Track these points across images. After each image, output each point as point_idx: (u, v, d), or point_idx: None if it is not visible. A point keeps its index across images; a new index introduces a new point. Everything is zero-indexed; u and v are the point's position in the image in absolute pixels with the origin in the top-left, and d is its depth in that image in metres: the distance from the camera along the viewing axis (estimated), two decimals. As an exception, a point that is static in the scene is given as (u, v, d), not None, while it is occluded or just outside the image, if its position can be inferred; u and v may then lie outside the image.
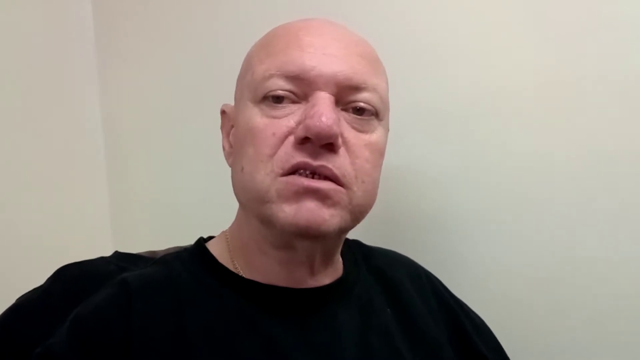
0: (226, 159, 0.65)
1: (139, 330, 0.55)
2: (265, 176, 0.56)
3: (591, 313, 0.83)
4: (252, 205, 0.58)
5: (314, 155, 0.55)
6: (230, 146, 0.64)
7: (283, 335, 0.58)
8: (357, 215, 0.59)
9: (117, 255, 0.75)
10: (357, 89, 0.58)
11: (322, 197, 0.55)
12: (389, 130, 0.65)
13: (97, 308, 0.57)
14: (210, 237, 0.69)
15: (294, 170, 0.55)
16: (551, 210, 0.85)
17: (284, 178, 0.55)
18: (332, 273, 0.65)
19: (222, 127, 0.67)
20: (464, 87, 0.90)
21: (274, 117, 0.57)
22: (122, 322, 0.55)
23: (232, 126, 0.64)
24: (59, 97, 1.14)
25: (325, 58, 0.57)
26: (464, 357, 0.70)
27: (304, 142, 0.55)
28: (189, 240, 0.70)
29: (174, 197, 1.16)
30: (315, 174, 0.55)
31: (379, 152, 0.61)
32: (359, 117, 0.59)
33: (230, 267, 0.62)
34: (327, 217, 0.55)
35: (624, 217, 0.81)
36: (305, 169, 0.55)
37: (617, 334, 0.81)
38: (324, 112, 0.54)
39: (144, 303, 0.57)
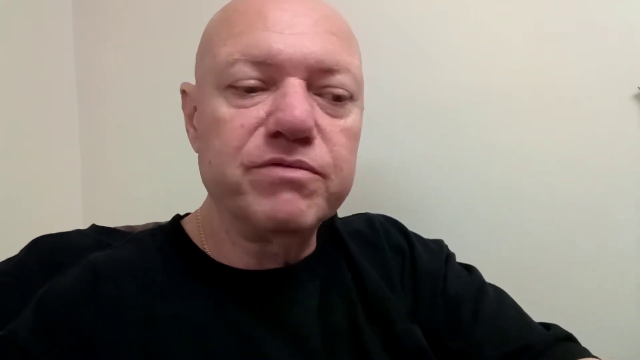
0: (191, 143, 0.60)
1: (107, 316, 0.53)
2: (236, 169, 0.52)
3: (577, 304, 0.86)
4: (224, 198, 0.55)
5: (288, 150, 0.51)
6: (195, 130, 0.60)
7: (251, 320, 0.56)
8: (334, 202, 0.57)
9: (94, 228, 0.74)
10: (329, 71, 0.54)
11: (298, 186, 0.52)
12: (363, 108, 0.61)
13: (64, 292, 0.55)
14: (188, 214, 0.67)
15: (267, 165, 0.52)
16: (535, 204, 0.88)
17: (258, 170, 0.52)
18: (304, 251, 0.63)
19: (183, 108, 0.63)
20: (451, 84, 0.91)
21: (241, 107, 0.53)
22: (90, 307, 0.54)
23: (195, 108, 0.59)
24: (34, 67, 1.11)
25: (293, 39, 0.52)
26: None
27: (276, 135, 0.51)
28: (164, 217, 0.68)
29: (149, 172, 1.15)
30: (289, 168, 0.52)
31: (354, 136, 0.58)
32: (332, 101, 0.55)
33: (202, 248, 0.60)
34: (304, 208, 0.52)
35: (602, 212, 0.84)
36: (279, 164, 0.52)
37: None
38: (296, 104, 0.50)
39: (113, 288, 0.55)
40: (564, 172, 0.86)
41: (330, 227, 0.67)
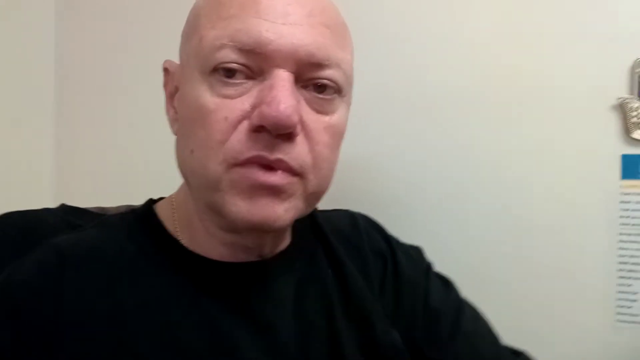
0: (170, 125, 0.59)
1: (71, 305, 0.51)
2: (218, 165, 0.51)
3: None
4: (201, 190, 0.54)
5: (270, 147, 0.50)
6: (175, 111, 0.58)
7: (223, 312, 0.55)
8: (311, 201, 0.56)
9: (64, 208, 0.72)
10: (319, 65, 0.52)
11: (276, 192, 0.51)
12: (350, 104, 0.60)
13: (27, 278, 0.52)
14: (162, 198, 0.64)
15: (249, 162, 0.51)
16: (509, 206, 0.89)
17: (239, 169, 0.50)
18: (279, 245, 0.62)
19: (165, 86, 0.61)
20: (433, 83, 0.92)
21: (227, 97, 0.51)
22: (54, 296, 0.51)
23: (177, 88, 0.57)
24: (11, 44, 1.08)
25: (285, 29, 0.50)
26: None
27: (260, 129, 0.50)
28: (139, 200, 0.66)
29: (125, 151, 1.12)
30: (270, 166, 0.51)
31: (339, 134, 0.56)
32: (320, 95, 0.53)
33: (175, 235, 0.58)
34: (281, 212, 0.52)
35: (576, 218, 0.86)
36: (261, 162, 0.51)
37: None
38: (282, 98, 0.49)
39: (78, 275, 0.53)
40: (540, 177, 0.87)
41: (310, 221, 0.66)
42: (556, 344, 0.86)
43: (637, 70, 0.80)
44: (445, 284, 0.70)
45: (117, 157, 1.13)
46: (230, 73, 0.50)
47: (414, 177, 0.94)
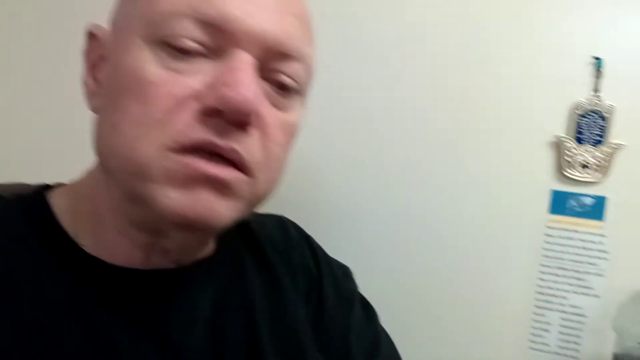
0: (87, 98, 0.50)
1: None
2: (151, 148, 0.43)
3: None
4: (123, 176, 0.45)
5: (222, 132, 0.44)
6: (97, 84, 0.50)
7: (124, 329, 0.47)
8: (254, 204, 0.50)
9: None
10: (286, 57, 0.47)
11: (220, 187, 0.45)
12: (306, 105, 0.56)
13: None
14: (61, 185, 0.54)
15: (193, 149, 0.44)
16: (438, 223, 0.91)
17: (179, 157, 0.43)
18: (201, 252, 0.55)
19: (86, 54, 0.51)
20: (376, 92, 0.92)
21: (176, 71, 0.44)
22: None
23: (103, 57, 0.49)
24: None
25: (254, 10, 0.45)
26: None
27: (212, 114, 0.43)
28: (37, 178, 0.56)
29: (27, 122, 1.01)
30: (217, 155, 0.44)
31: (293, 133, 0.52)
32: (280, 90, 0.48)
33: (72, 234, 0.49)
34: (222, 210, 0.45)
35: (501, 242, 0.89)
36: (207, 149, 0.44)
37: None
38: (244, 81, 0.43)
39: None
40: (472, 201, 0.90)
41: (239, 226, 0.59)
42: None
43: (576, 112, 0.84)
44: (367, 313, 0.66)
45: (18, 126, 1.02)
46: (184, 52, 0.44)
47: (343, 183, 0.93)
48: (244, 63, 0.44)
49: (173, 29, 0.44)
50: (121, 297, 0.48)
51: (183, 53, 0.44)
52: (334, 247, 0.69)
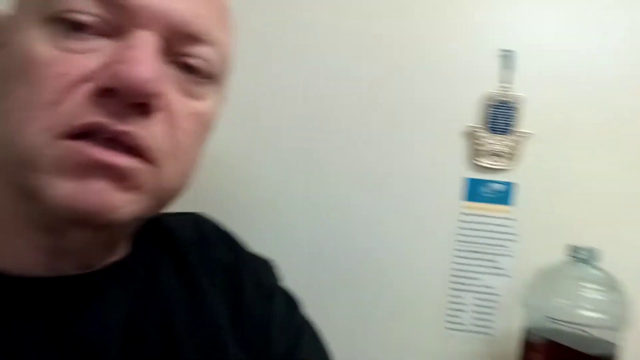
0: None
1: None
2: (39, 133, 0.39)
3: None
4: (12, 168, 0.42)
5: (118, 115, 0.40)
6: None
7: (32, 337, 0.44)
8: (163, 200, 0.47)
9: None
10: (194, 39, 0.45)
11: (117, 176, 0.41)
12: (225, 98, 0.53)
13: None
14: None
15: (84, 133, 0.40)
16: (356, 219, 0.92)
17: (69, 142, 0.39)
18: (113, 255, 0.52)
19: None
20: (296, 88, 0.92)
21: (69, 51, 0.40)
22: None
23: (2, 45, 0.44)
24: None
25: None
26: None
27: (107, 94, 0.40)
28: None
29: None
30: (113, 141, 0.40)
31: (206, 125, 0.49)
32: (190, 76, 0.46)
33: None
34: (119, 202, 0.41)
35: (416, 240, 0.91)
36: (100, 133, 0.40)
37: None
38: (143, 59, 0.40)
39: None
40: (387, 190, 0.91)
41: (153, 227, 0.57)
42: (389, 348, 0.91)
43: (486, 102, 0.88)
44: (290, 305, 0.65)
45: None
46: (78, 27, 0.41)
47: (263, 176, 0.93)
48: (143, 41, 0.41)
49: (67, 6, 0.40)
50: (28, 309, 0.45)
51: (79, 30, 0.41)
52: (256, 240, 0.69)
